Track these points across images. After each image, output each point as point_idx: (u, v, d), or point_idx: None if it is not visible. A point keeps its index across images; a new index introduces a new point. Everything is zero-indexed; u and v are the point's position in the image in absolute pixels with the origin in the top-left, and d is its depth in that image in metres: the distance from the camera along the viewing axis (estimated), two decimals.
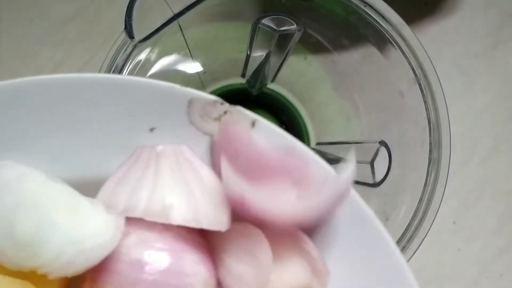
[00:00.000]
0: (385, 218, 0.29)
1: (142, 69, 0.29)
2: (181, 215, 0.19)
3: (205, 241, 0.20)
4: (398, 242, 0.27)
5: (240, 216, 0.20)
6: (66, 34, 0.41)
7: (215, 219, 0.19)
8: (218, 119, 0.21)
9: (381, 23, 0.28)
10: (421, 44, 0.28)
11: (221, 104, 0.21)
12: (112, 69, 0.27)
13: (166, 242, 0.19)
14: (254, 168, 0.19)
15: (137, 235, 0.19)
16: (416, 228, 0.27)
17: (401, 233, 0.27)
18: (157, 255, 0.19)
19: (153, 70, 0.31)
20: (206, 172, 0.20)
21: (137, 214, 0.19)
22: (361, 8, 0.28)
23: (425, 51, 0.28)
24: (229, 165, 0.19)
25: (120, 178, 0.20)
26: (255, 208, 0.19)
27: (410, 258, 0.27)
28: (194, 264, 0.19)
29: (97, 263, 0.18)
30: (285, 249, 0.19)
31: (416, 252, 0.27)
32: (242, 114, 0.21)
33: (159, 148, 0.20)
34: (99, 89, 0.20)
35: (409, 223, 0.27)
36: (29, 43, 0.40)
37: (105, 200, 0.19)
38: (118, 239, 0.18)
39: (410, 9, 0.40)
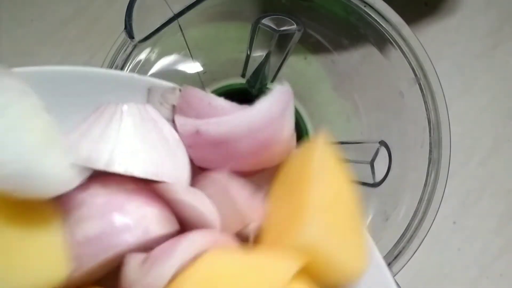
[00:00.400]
0: (385, 218, 0.29)
1: (142, 69, 0.29)
2: (142, 168, 0.19)
3: (145, 183, 0.21)
4: (398, 242, 0.27)
5: (199, 157, 0.21)
6: (66, 34, 0.41)
7: (176, 174, 0.20)
8: None
9: (381, 23, 0.28)
10: (421, 44, 0.28)
11: (180, 90, 0.22)
12: (112, 69, 0.27)
13: (100, 208, 0.19)
14: None
15: (70, 218, 0.19)
16: (416, 228, 0.27)
17: (401, 233, 0.27)
18: (99, 223, 0.19)
19: (153, 70, 0.31)
20: (169, 132, 0.21)
21: (99, 166, 0.19)
22: (361, 8, 0.28)
23: (425, 51, 0.28)
24: (181, 114, 0.21)
25: (84, 130, 0.20)
26: (209, 133, 0.20)
27: (410, 258, 0.27)
28: (139, 209, 0.19)
29: (40, 195, 0.17)
30: (217, 199, 0.20)
31: (416, 252, 0.27)
32: None
33: (124, 106, 0.21)
34: (60, 81, 0.21)
35: (409, 223, 0.27)
36: (29, 43, 0.40)
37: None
38: (73, 185, 0.18)
39: (410, 9, 0.40)
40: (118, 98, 0.21)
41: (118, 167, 0.19)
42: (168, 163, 0.20)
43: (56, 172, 0.17)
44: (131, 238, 0.19)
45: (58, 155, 0.18)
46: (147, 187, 0.21)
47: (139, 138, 0.20)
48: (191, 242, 0.18)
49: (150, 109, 0.21)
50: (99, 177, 0.20)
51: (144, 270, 0.18)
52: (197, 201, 0.20)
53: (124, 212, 0.19)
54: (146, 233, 0.19)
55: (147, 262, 0.18)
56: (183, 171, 0.20)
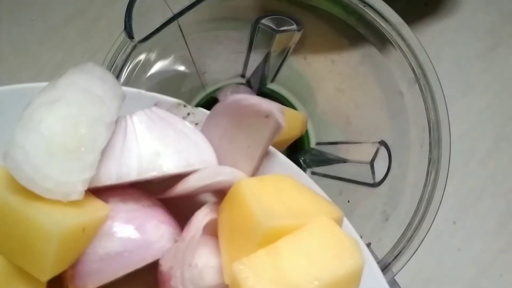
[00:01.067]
0: (385, 218, 0.29)
1: (141, 69, 0.29)
2: (173, 165, 0.20)
3: (157, 200, 0.21)
4: (398, 242, 0.27)
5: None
6: (66, 34, 0.41)
7: (204, 158, 0.21)
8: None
9: (380, 23, 0.28)
10: (421, 44, 0.28)
11: (184, 106, 0.23)
12: (112, 69, 0.27)
13: (122, 226, 0.19)
14: None
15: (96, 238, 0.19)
16: (416, 228, 0.27)
17: (401, 233, 0.27)
18: (121, 241, 0.19)
19: (153, 70, 0.31)
20: (182, 123, 0.22)
21: (132, 177, 0.19)
22: (361, 8, 0.28)
23: (425, 51, 0.28)
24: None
25: (104, 150, 0.20)
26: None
27: (410, 258, 0.27)
28: (157, 228, 0.20)
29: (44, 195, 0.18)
30: (237, 120, 0.21)
31: (416, 252, 0.27)
32: (205, 114, 0.22)
33: (134, 116, 0.21)
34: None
35: (409, 223, 0.27)
36: (29, 43, 0.41)
37: (97, 175, 0.20)
38: (75, 198, 0.18)
39: (410, 9, 0.40)
40: (126, 113, 0.21)
41: (151, 173, 0.19)
42: (193, 152, 0.21)
43: (63, 181, 0.18)
44: (150, 257, 0.19)
45: (70, 166, 0.18)
46: (156, 202, 0.21)
47: (158, 140, 0.20)
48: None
49: (156, 109, 0.22)
50: (116, 190, 0.20)
51: None
52: (230, 176, 0.21)
53: (143, 231, 0.19)
54: (163, 252, 0.20)
55: None
56: (209, 153, 0.21)
